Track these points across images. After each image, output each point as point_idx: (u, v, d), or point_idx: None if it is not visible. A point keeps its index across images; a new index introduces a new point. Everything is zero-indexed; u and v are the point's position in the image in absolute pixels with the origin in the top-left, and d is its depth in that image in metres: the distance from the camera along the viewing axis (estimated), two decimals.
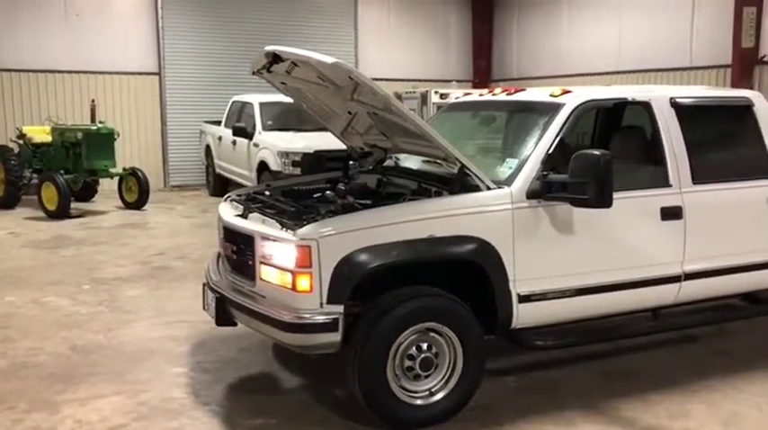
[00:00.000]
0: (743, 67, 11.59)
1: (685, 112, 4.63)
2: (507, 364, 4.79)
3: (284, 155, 10.02)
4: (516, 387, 4.52)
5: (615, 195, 3.94)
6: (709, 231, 4.57)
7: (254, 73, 4.76)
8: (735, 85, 11.33)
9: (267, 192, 4.89)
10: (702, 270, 4.55)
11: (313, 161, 9.54)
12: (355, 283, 3.66)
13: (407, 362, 3.84)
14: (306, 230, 3.66)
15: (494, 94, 5.10)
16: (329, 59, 3.76)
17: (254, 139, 10.99)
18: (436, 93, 13.68)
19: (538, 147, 4.15)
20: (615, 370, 4.76)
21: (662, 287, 4.47)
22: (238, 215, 4.32)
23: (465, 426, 3.93)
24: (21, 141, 12.01)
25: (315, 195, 4.77)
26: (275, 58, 4.33)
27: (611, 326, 4.55)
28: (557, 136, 4.19)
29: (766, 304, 4.99)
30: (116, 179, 12.07)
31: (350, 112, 4.74)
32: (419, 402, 3.87)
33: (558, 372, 4.72)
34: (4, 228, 9.95)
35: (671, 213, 4.43)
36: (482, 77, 17.27)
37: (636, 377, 4.62)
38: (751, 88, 10.95)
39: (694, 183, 4.52)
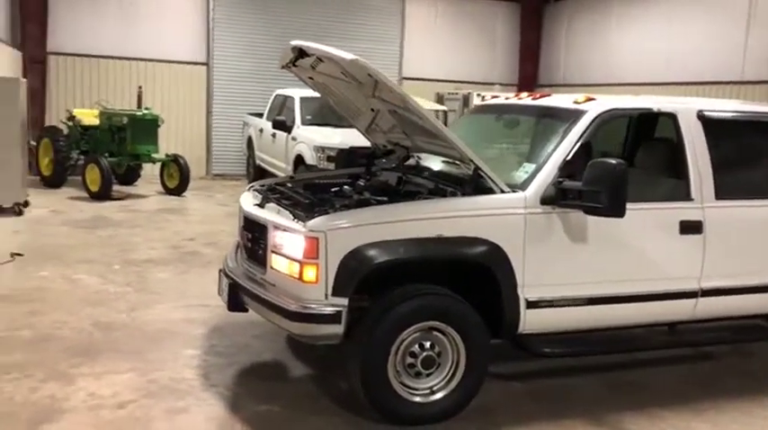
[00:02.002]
0: None
1: (713, 126, 4.54)
2: (515, 370, 4.78)
3: (320, 149, 10.13)
4: (521, 392, 4.51)
5: (633, 206, 3.91)
6: (730, 248, 4.48)
7: (282, 67, 4.84)
8: None
9: (289, 184, 4.97)
10: (721, 287, 4.47)
11: (347, 157, 9.60)
12: (361, 278, 3.70)
13: (409, 359, 3.87)
14: (315, 222, 3.73)
15: (519, 99, 5.09)
16: (348, 56, 3.81)
17: (293, 133, 11.13)
18: (478, 95, 13.65)
19: (556, 153, 4.13)
20: (624, 382, 4.71)
21: (677, 302, 4.41)
22: (256, 204, 4.42)
23: (464, 427, 3.94)
24: (70, 123, 12.39)
25: (333, 189, 4.83)
26: (301, 53, 4.40)
27: (623, 338, 4.51)
28: (576, 143, 4.16)
29: None
30: (158, 165, 12.36)
31: (372, 110, 4.79)
32: (418, 399, 3.90)
33: (565, 381, 4.69)
34: (48, 207, 10.29)
35: (690, 227, 4.36)
36: (528, 82, 17.11)
37: (644, 391, 4.56)
38: None
39: (717, 199, 4.43)
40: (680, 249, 4.38)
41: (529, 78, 17.24)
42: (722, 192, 4.45)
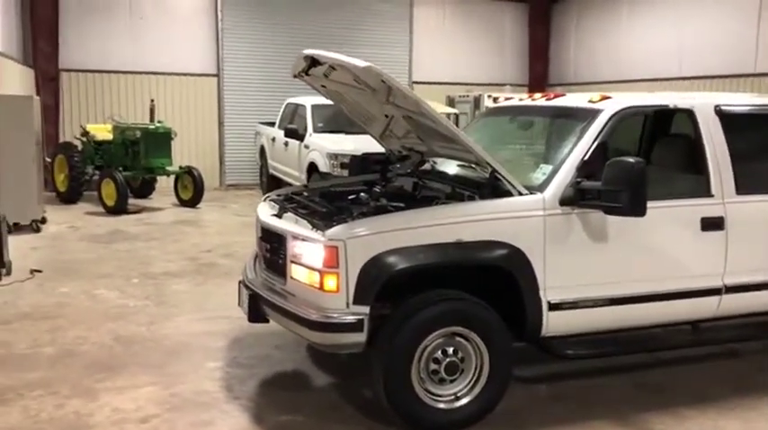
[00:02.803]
0: None
1: (731, 120, 4.49)
2: (539, 372, 4.75)
3: (333, 157, 10.13)
4: (546, 395, 4.47)
5: (653, 204, 3.87)
6: (753, 244, 4.43)
7: (295, 76, 4.85)
8: None
9: (305, 193, 4.97)
10: (745, 283, 4.41)
11: (360, 163, 9.60)
12: (382, 285, 3.69)
13: (433, 366, 3.85)
14: (335, 231, 3.72)
15: (533, 99, 5.06)
16: (361, 63, 3.81)
17: (305, 141, 11.14)
18: (489, 97, 13.61)
19: (573, 153, 4.10)
20: (649, 382, 4.66)
21: (701, 299, 4.36)
22: (274, 215, 4.41)
23: None
24: (84, 139, 12.49)
25: (350, 197, 4.82)
26: (313, 62, 4.41)
27: (647, 338, 4.45)
28: (593, 142, 4.13)
29: None
30: (173, 177, 12.42)
31: (387, 116, 4.78)
32: (443, 406, 3.87)
33: (590, 382, 4.65)
34: (65, 222, 10.36)
35: (712, 224, 4.31)
36: (538, 82, 17.07)
37: (670, 390, 4.51)
38: None
39: (738, 194, 4.38)
40: (702, 246, 4.33)
41: (539, 78, 17.19)
42: (742, 186, 4.40)
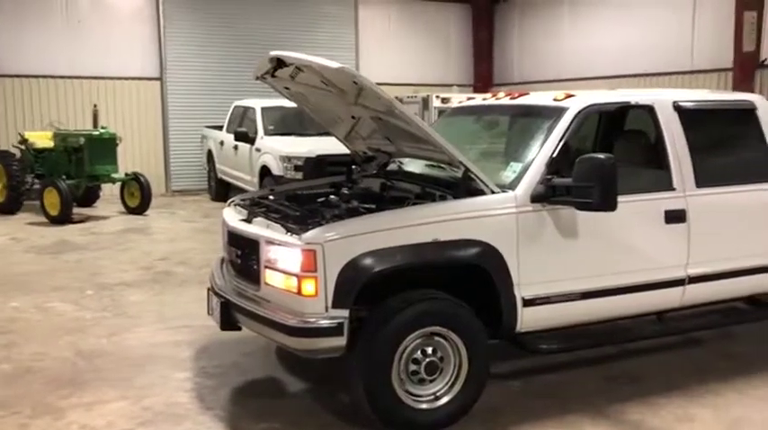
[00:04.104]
0: (744, 71, 11.60)
1: (689, 116, 4.63)
2: (512, 369, 4.78)
3: (286, 159, 10.03)
4: (521, 391, 4.52)
5: (619, 199, 3.94)
6: (714, 234, 4.57)
7: (257, 78, 4.77)
8: (736, 88, 11.33)
9: (271, 197, 4.89)
10: (707, 273, 4.55)
11: (315, 165, 9.57)
12: (360, 287, 3.66)
13: (412, 367, 3.83)
14: (311, 234, 3.66)
15: (497, 99, 5.11)
16: (334, 64, 3.77)
17: (256, 144, 11.01)
18: (438, 97, 13.68)
19: (542, 151, 4.15)
20: (620, 373, 4.76)
21: (666, 290, 4.47)
22: (243, 220, 4.32)
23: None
24: (23, 147, 12.04)
25: (319, 200, 4.77)
26: (279, 63, 4.34)
27: (616, 330, 4.55)
28: (560, 140, 4.19)
29: None
30: (118, 184, 12.08)
31: (353, 117, 4.74)
32: (424, 406, 3.86)
33: (563, 376, 4.72)
34: (7, 234, 9.95)
35: (675, 216, 4.43)
36: (484, 82, 17.28)
37: (641, 381, 4.61)
38: (752, 92, 10.98)
39: (698, 187, 4.52)
40: (666, 239, 4.44)
41: (484, 78, 17.41)
42: (702, 180, 4.54)
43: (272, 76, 4.56)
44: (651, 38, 13.36)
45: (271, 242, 3.86)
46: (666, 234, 4.44)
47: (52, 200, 10.76)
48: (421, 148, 4.43)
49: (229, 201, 4.99)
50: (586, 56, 14.74)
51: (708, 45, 12.45)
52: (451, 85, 16.07)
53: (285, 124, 11.17)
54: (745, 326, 5.34)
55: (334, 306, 3.64)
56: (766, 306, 5.00)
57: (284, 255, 3.76)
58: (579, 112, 4.30)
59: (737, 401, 4.31)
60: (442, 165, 4.46)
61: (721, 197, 4.62)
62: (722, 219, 4.62)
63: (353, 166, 5.31)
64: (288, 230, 3.81)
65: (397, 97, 15.21)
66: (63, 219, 10.68)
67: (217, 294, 4.35)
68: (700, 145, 4.61)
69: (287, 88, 4.83)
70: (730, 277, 4.65)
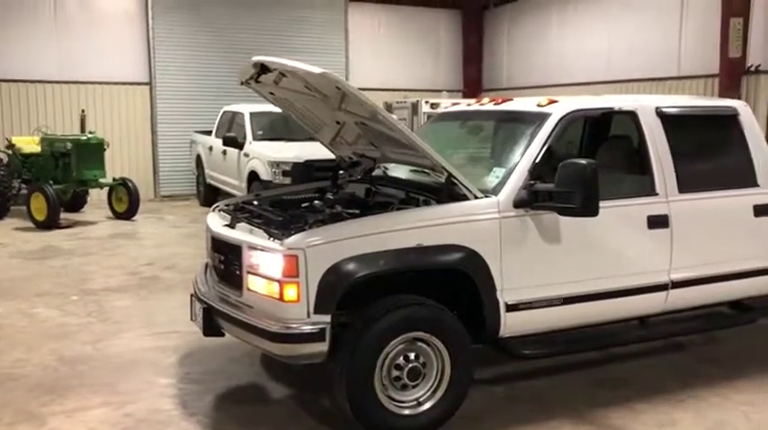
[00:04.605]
0: (730, 77, 11.66)
1: (671, 122, 4.66)
2: (495, 374, 4.79)
3: (275, 164, 10.02)
4: (504, 396, 4.52)
5: (602, 204, 3.96)
6: (696, 240, 4.59)
7: (242, 83, 4.77)
8: (722, 94, 11.40)
9: (255, 202, 4.89)
10: (689, 278, 4.57)
11: (303, 170, 9.56)
12: (342, 293, 3.66)
13: (395, 372, 3.83)
14: (293, 240, 3.66)
15: (482, 104, 5.12)
16: (317, 70, 3.77)
17: (245, 149, 10.99)
18: (427, 102, 13.71)
19: (525, 156, 4.17)
20: (603, 378, 4.77)
21: (649, 295, 4.49)
22: (226, 225, 4.32)
23: None
24: (9, 152, 11.97)
25: (303, 205, 4.76)
26: (263, 69, 4.34)
27: (599, 335, 4.55)
28: (543, 145, 4.21)
29: (753, 312, 5.01)
30: (106, 189, 12.03)
31: (338, 122, 4.74)
32: (407, 412, 3.86)
33: (546, 381, 4.73)
34: None
35: (657, 222, 4.46)
36: (472, 87, 17.34)
37: (624, 385, 4.63)
38: (738, 98, 11.05)
39: (680, 192, 4.54)
40: (649, 244, 4.46)
41: (473, 83, 17.48)
42: (684, 185, 4.57)
43: (256, 81, 4.56)
44: (639, 44, 13.43)
45: (253, 247, 3.85)
46: (649, 239, 4.46)
47: (39, 205, 10.71)
48: (405, 154, 4.44)
49: (214, 206, 4.98)
50: (575, 61, 14.81)
51: (694, 51, 12.52)
52: (441, 91, 16.12)
53: (274, 129, 11.16)
54: (730, 330, 5.37)
55: (317, 311, 3.64)
56: (750, 310, 5.02)
57: (266, 260, 3.75)
58: (562, 118, 4.32)
59: (720, 406, 4.33)
60: (427, 171, 4.46)
61: (704, 202, 4.64)
62: (705, 224, 4.64)
63: (340, 171, 5.32)
64: (270, 236, 3.81)
65: (386, 102, 15.35)
66: (50, 224, 10.63)
67: (200, 300, 4.33)
68: (682, 150, 4.64)
69: (272, 93, 4.83)
70: (713, 282, 4.67)
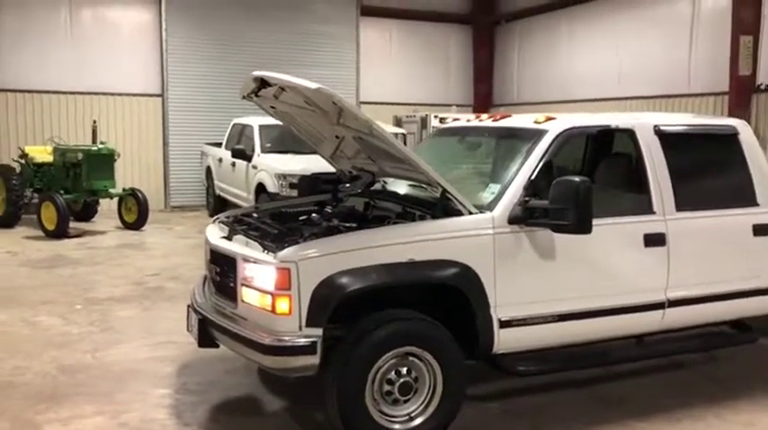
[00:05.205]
0: (740, 95, 11.63)
1: (670, 140, 4.65)
2: (490, 390, 4.77)
3: (282, 177, 10.08)
4: (499, 413, 4.50)
5: (598, 221, 3.96)
6: (694, 258, 4.57)
7: (243, 97, 4.82)
8: (732, 112, 11.36)
9: (255, 215, 4.93)
10: (686, 297, 4.55)
11: (310, 183, 9.57)
12: (334, 306, 3.67)
13: (386, 387, 3.83)
14: (286, 253, 3.69)
15: (480, 120, 5.15)
16: (312, 85, 3.81)
17: (253, 161, 11.06)
18: (436, 117, 13.79)
19: (520, 172, 4.18)
20: (599, 396, 4.74)
21: (646, 314, 4.46)
22: (223, 237, 4.36)
23: None
24: (22, 161, 12.13)
25: (301, 218, 4.79)
26: (263, 83, 4.39)
27: (596, 353, 4.53)
28: (539, 162, 4.21)
29: (754, 332, 4.97)
30: (116, 199, 12.15)
31: (337, 136, 4.79)
32: (398, 427, 3.86)
33: (541, 398, 4.71)
34: (3, 248, 10.00)
35: (654, 240, 4.44)
36: (483, 102, 17.38)
37: (620, 403, 4.60)
38: (748, 116, 11.01)
39: (678, 211, 4.53)
40: (645, 262, 4.45)
41: (484, 98, 17.52)
42: (682, 203, 4.55)
43: (257, 95, 4.61)
44: (649, 61, 13.43)
45: (247, 259, 3.89)
46: (646, 257, 4.44)
47: (49, 214, 10.83)
48: (401, 168, 4.47)
49: (214, 218, 5.02)
50: (585, 78, 14.81)
51: (705, 69, 12.50)
52: (451, 105, 16.19)
53: (282, 142, 11.21)
54: (730, 349, 5.33)
55: (308, 324, 3.66)
56: (750, 330, 4.99)
57: (259, 272, 3.78)
58: (558, 135, 4.33)
59: (716, 426, 4.29)
60: (424, 186, 4.49)
61: (702, 221, 4.62)
62: (702, 243, 4.62)
63: (341, 185, 5.35)
64: (264, 248, 3.84)
65: (395, 116, 15.44)
66: (59, 233, 10.74)
67: (196, 311, 4.37)
68: (680, 169, 4.62)
69: (273, 107, 4.88)
70: (711, 301, 4.64)
